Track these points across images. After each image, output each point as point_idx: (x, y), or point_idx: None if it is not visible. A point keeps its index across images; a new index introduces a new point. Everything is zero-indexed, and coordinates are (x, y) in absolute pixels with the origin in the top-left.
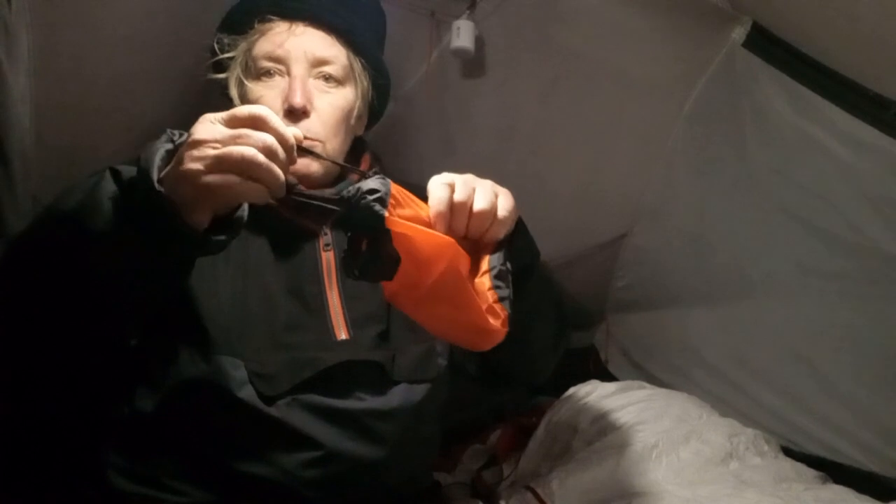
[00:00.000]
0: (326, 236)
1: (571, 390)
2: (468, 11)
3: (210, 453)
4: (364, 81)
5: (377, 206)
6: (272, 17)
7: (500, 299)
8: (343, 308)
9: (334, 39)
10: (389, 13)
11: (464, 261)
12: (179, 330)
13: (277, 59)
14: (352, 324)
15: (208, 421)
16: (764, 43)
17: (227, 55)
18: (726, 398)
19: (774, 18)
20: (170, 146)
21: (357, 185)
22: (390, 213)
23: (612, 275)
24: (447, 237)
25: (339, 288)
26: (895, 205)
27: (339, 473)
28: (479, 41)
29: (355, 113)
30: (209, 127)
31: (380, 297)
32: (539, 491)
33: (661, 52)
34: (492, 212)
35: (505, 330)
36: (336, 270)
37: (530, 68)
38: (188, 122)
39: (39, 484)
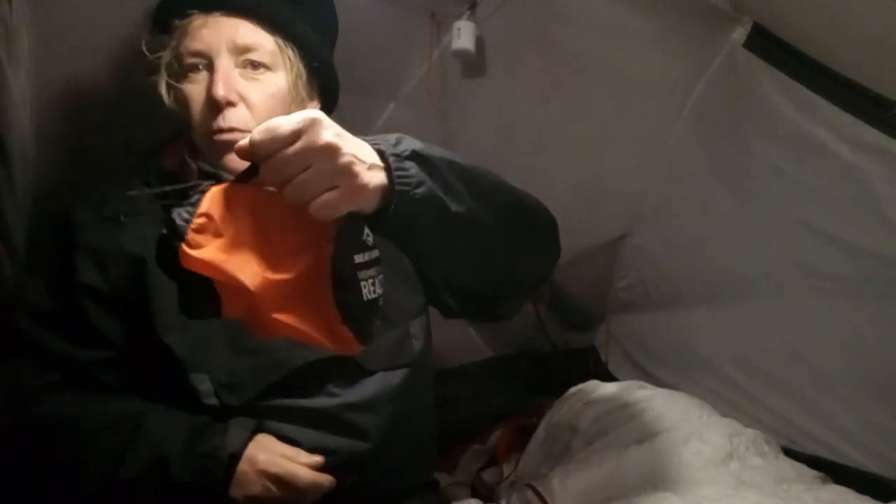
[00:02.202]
0: None
1: (572, 390)
2: (468, 12)
3: None
4: (298, 66)
5: (171, 244)
6: (191, 12)
7: (349, 317)
8: None
9: (257, 26)
10: (390, 13)
11: (273, 300)
12: (153, 356)
13: (199, 54)
14: None
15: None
16: (764, 43)
17: (155, 55)
18: (726, 398)
19: (775, 19)
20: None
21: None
22: (195, 239)
23: (612, 275)
24: (245, 284)
25: None
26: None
27: (326, 469)
28: (479, 42)
29: (291, 99)
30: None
31: None
32: (540, 489)
33: (662, 52)
34: (305, 201)
35: (359, 346)
36: None
37: (531, 69)
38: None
39: None
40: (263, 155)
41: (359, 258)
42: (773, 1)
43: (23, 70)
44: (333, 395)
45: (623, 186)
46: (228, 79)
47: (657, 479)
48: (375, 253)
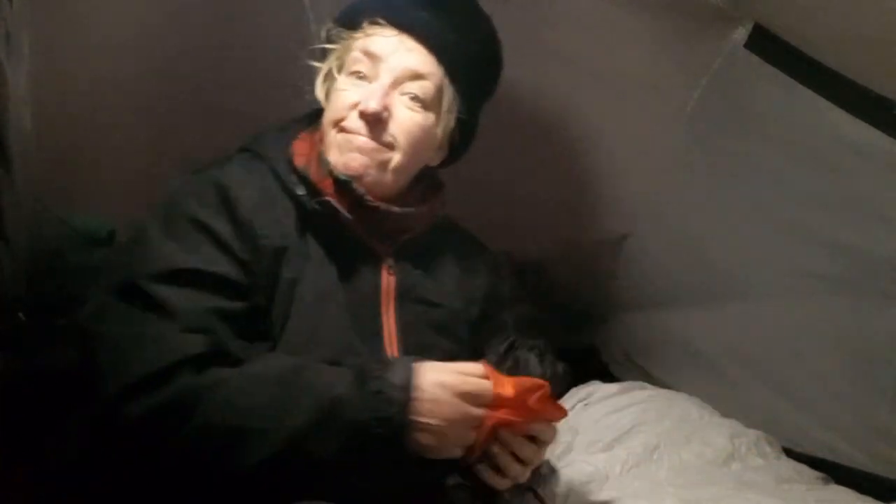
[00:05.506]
0: (391, 259)
1: (572, 391)
2: None
3: None
4: (449, 115)
5: None
6: (382, 21)
7: None
8: (398, 334)
9: (435, 61)
10: None
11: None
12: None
13: (373, 57)
14: (404, 351)
15: None
16: (765, 44)
17: (329, 45)
18: (727, 398)
19: (776, 19)
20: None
21: None
22: None
23: (613, 275)
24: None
25: (395, 313)
26: (895, 205)
27: None
28: None
29: (432, 142)
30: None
31: (433, 325)
32: (540, 491)
33: (662, 53)
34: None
35: None
36: (395, 295)
37: (529, 70)
38: (186, 124)
39: None
40: None
41: None
42: (774, 1)
43: (23, 70)
44: None
45: (624, 187)
46: (386, 96)
47: (658, 479)
48: None
